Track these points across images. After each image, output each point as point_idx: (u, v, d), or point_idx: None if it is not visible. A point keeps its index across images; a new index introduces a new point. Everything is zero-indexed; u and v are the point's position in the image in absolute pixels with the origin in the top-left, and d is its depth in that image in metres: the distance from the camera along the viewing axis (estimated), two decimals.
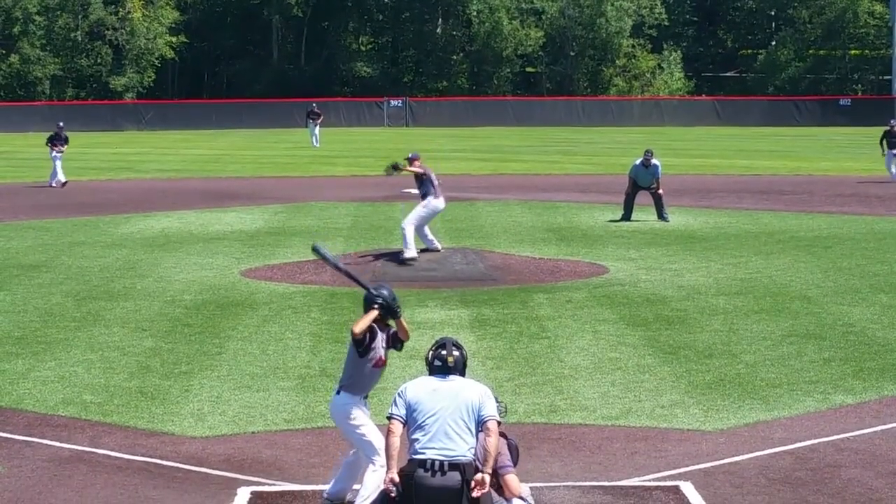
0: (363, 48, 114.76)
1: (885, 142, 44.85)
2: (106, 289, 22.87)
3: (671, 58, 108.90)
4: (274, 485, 12.09)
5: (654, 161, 32.90)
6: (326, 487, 11.38)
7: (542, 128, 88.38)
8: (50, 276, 24.46)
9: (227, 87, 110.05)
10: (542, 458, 12.70)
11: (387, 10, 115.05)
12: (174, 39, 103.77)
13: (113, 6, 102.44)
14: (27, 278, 24.19)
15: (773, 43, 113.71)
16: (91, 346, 17.93)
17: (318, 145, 67.65)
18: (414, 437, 9.73)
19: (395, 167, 25.76)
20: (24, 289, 22.99)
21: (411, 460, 9.67)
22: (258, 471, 12.49)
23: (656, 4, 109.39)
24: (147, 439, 13.55)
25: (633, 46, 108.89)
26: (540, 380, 15.90)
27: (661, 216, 32.75)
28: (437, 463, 9.57)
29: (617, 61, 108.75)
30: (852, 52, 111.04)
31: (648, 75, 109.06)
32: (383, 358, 10.98)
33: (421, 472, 9.58)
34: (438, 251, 26.10)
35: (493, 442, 9.67)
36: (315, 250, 11.59)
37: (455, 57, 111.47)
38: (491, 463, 9.65)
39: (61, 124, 46.23)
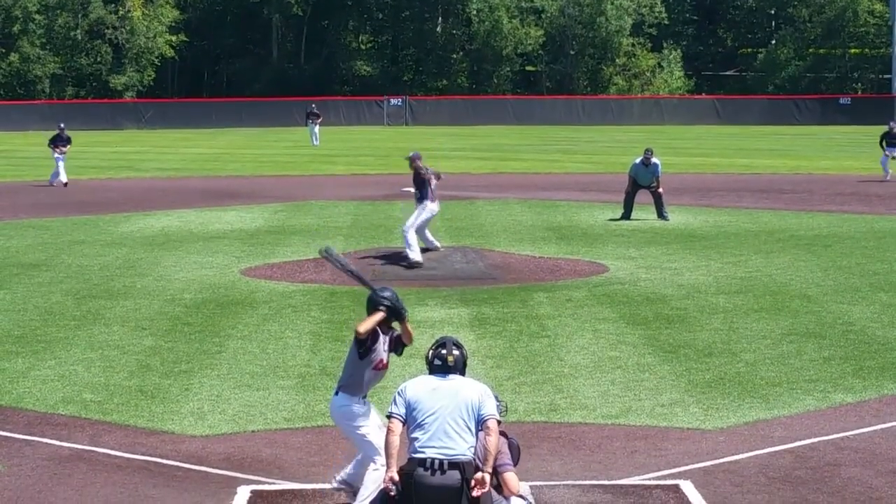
0: (363, 47, 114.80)
1: (884, 143, 44.97)
2: (106, 287, 22.87)
3: (671, 56, 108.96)
4: (274, 483, 12.09)
5: (654, 160, 32.91)
6: (341, 473, 11.31)
7: (542, 126, 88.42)
8: (50, 274, 24.47)
9: (227, 86, 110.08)
10: (542, 457, 12.70)
11: (387, 8, 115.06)
12: (174, 38, 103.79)
13: (113, 5, 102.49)
14: (27, 277, 24.19)
15: (773, 42, 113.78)
16: (91, 345, 17.94)
17: (317, 144, 67.68)
18: (413, 435, 9.73)
19: (438, 177, 25.72)
20: (24, 287, 22.99)
21: (411, 459, 9.67)
22: (258, 469, 12.49)
23: (656, 3, 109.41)
24: (147, 438, 13.55)
25: (633, 45, 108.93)
26: (540, 378, 15.90)
27: (661, 215, 32.75)
28: (436, 462, 9.58)
29: (617, 60, 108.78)
30: (852, 50, 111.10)
31: (648, 74, 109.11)
32: (385, 361, 10.96)
33: (420, 470, 9.58)
34: (438, 250, 26.13)
35: (493, 441, 9.67)
36: (325, 255, 11.48)
37: (455, 56, 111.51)
38: (491, 462, 9.66)
39: (62, 125, 46.31)
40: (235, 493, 11.81)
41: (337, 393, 11.05)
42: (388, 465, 9.78)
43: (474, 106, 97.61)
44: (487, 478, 9.59)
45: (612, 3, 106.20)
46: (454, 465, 9.57)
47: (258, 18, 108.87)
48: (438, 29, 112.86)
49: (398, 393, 9.93)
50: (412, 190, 26.19)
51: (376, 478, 10.63)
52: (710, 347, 17.59)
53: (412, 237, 25.16)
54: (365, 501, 10.64)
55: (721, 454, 12.85)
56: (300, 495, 11.75)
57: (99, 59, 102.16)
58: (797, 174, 48.42)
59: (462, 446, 9.63)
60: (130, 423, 14.12)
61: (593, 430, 13.77)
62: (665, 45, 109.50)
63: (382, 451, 10.28)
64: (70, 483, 12.16)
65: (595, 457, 12.84)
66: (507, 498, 9.90)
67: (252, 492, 11.83)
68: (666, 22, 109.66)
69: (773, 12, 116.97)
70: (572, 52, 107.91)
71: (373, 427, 10.94)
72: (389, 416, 9.85)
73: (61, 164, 44.24)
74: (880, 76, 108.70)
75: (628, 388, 15.40)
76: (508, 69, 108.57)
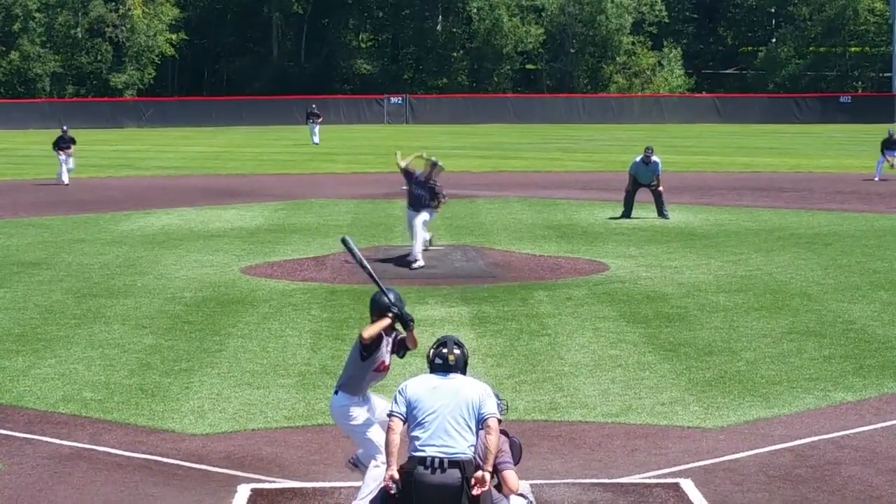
0: (363, 45, 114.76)
1: (884, 150, 45.10)
2: (106, 286, 22.87)
3: (671, 55, 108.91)
4: (274, 482, 12.10)
5: (655, 158, 32.91)
6: (353, 454, 11.27)
7: (543, 125, 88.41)
8: (50, 273, 24.47)
9: (227, 85, 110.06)
10: (543, 456, 12.70)
11: (387, 7, 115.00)
12: (174, 37, 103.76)
13: (113, 3, 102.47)
14: (27, 275, 24.19)
15: (774, 40, 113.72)
16: (91, 344, 17.94)
17: (318, 142, 67.67)
18: (414, 434, 9.73)
19: (435, 165, 25.51)
20: (25, 286, 22.99)
21: (411, 457, 9.67)
22: (258, 468, 12.49)
23: (656, 1, 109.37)
24: (147, 436, 13.55)
25: (634, 43, 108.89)
26: (540, 377, 15.90)
27: (662, 213, 32.76)
28: (436, 460, 9.58)
29: (617, 58, 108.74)
30: (852, 49, 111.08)
31: (648, 72, 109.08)
32: (386, 363, 10.96)
33: (421, 469, 9.58)
34: (430, 246, 26.02)
35: (494, 440, 9.67)
36: (344, 243, 11.47)
37: (455, 54, 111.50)
38: (491, 460, 9.66)
39: (65, 128, 46.40)
40: (236, 491, 11.81)
41: (336, 392, 11.04)
42: (389, 464, 9.78)
43: (474, 104, 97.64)
44: (487, 476, 9.59)
45: (613, 2, 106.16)
46: (454, 463, 9.57)
47: (258, 17, 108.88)
48: (439, 27, 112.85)
49: (399, 391, 9.93)
50: (417, 172, 25.69)
51: (377, 476, 10.63)
52: (711, 346, 17.59)
53: (424, 235, 25.07)
54: (365, 499, 10.65)
55: (721, 453, 12.85)
56: (300, 494, 11.75)
57: (99, 57, 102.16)
58: (797, 172, 48.43)
59: (462, 445, 9.63)
60: (131, 421, 14.12)
61: (593, 429, 13.77)
62: (665, 43, 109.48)
63: (383, 450, 10.29)
64: (70, 481, 12.16)
65: (595, 455, 12.84)
66: (506, 496, 9.90)
67: (252, 490, 11.84)
68: (666, 20, 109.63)
69: (773, 10, 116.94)
70: (572, 51, 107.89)
71: (373, 426, 10.94)
72: (390, 415, 9.86)
73: (65, 165, 44.28)
74: (880, 74, 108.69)
75: (628, 386, 15.40)
76: (509, 67, 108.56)
